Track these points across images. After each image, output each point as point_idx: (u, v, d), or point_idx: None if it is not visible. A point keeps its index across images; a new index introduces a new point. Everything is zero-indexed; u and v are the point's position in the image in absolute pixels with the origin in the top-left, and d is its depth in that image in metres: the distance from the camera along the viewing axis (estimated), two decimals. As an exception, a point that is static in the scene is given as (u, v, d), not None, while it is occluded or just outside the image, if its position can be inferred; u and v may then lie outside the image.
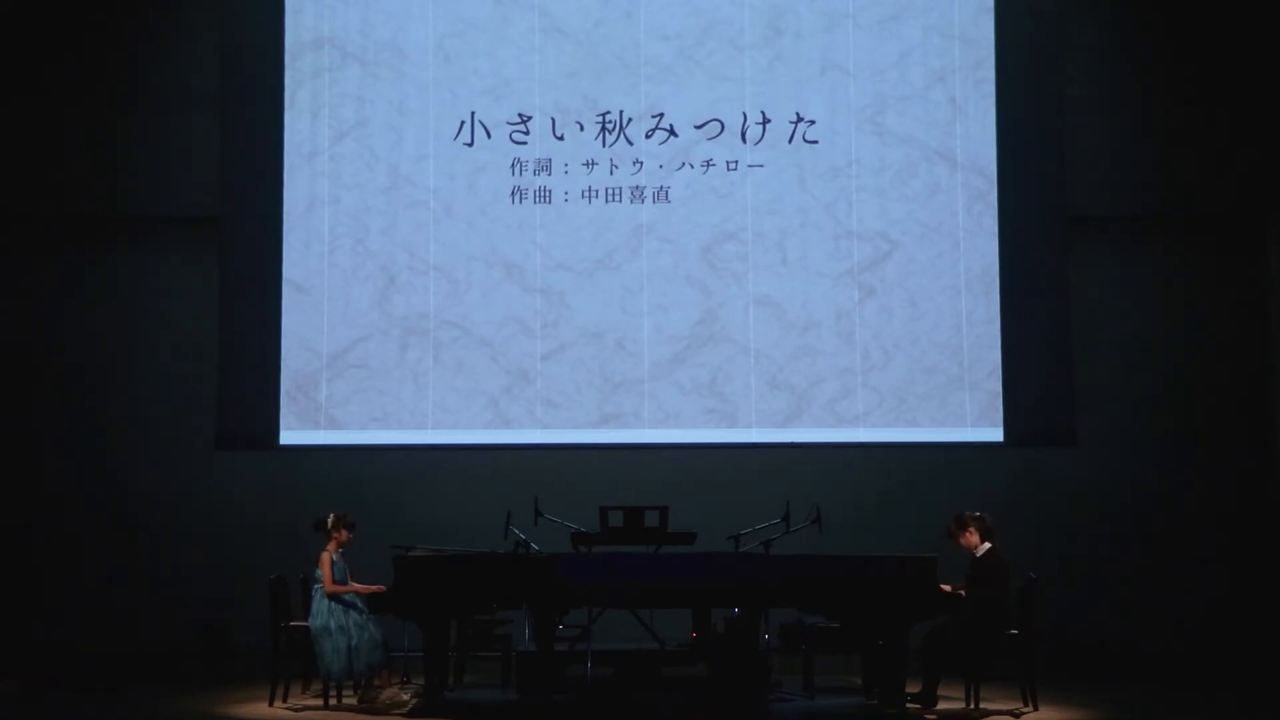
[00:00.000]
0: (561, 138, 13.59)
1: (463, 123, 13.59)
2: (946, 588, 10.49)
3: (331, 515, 10.85)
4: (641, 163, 13.57)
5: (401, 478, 13.36)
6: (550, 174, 13.55)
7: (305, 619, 10.80)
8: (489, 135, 13.56)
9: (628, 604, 11.03)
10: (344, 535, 10.84)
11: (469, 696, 11.25)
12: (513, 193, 13.53)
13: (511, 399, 13.37)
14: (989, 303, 13.42)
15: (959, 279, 13.48)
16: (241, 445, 13.41)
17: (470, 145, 13.55)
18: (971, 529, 10.58)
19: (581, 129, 13.59)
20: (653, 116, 13.60)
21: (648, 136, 13.57)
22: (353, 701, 10.78)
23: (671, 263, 13.50)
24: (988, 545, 10.54)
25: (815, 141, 13.58)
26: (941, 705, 10.47)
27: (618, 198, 13.55)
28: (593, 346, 13.41)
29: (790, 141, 13.58)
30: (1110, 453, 13.62)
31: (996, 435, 13.34)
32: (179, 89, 13.74)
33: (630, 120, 13.59)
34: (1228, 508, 13.65)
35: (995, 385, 13.35)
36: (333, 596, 10.66)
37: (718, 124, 13.59)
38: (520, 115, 13.61)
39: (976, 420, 13.33)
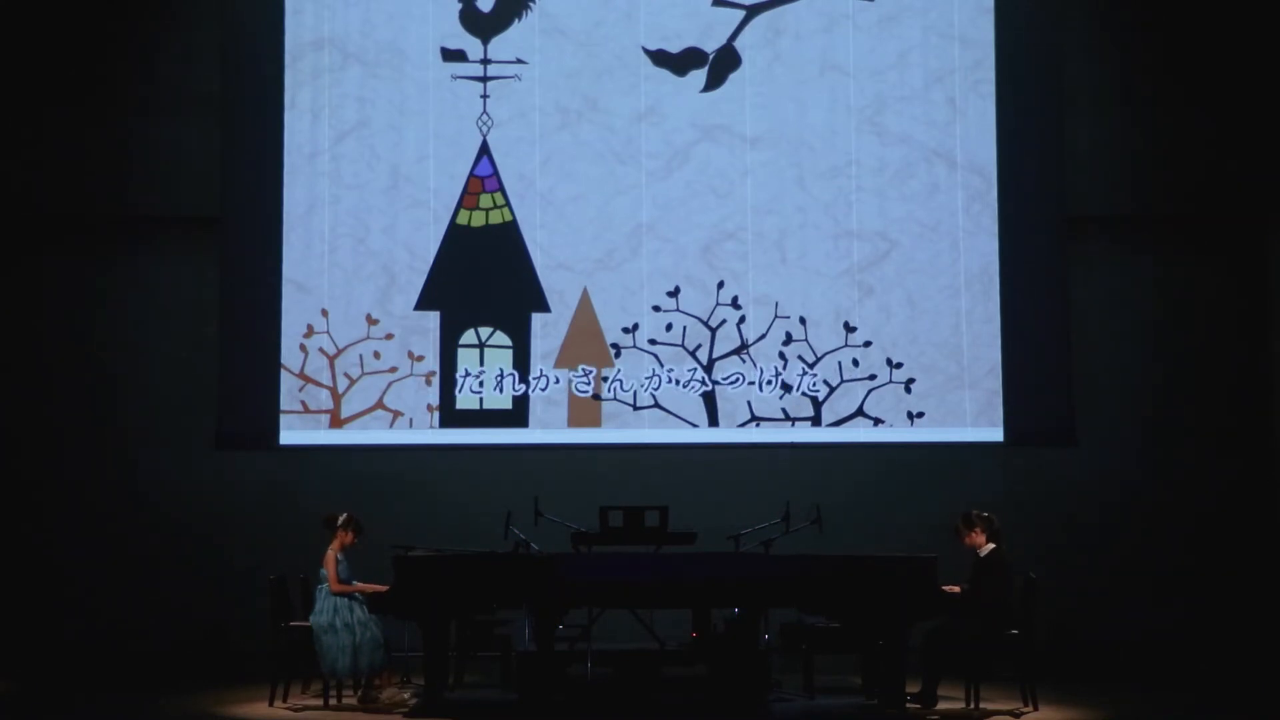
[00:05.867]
0: (562, 137, 13.59)
1: (463, 122, 13.59)
2: (953, 588, 10.50)
3: (345, 514, 10.88)
4: (641, 162, 13.58)
5: (401, 478, 13.35)
6: (551, 173, 13.56)
7: (306, 619, 10.81)
8: (489, 134, 13.56)
9: (628, 604, 11.05)
10: (350, 537, 10.86)
11: (469, 696, 11.27)
12: (513, 192, 13.54)
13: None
14: (988, 302, 13.44)
15: (958, 278, 13.50)
16: (241, 445, 13.41)
17: (471, 145, 13.56)
18: (978, 528, 10.59)
19: (581, 129, 13.60)
20: (652, 116, 13.61)
21: (647, 136, 13.58)
22: (353, 701, 10.80)
23: (671, 262, 13.51)
24: (992, 545, 10.55)
25: (814, 141, 13.58)
26: (941, 705, 10.48)
27: (618, 197, 13.56)
28: (592, 346, 13.42)
29: (789, 141, 13.58)
30: (1110, 452, 13.62)
31: (996, 434, 13.35)
32: (179, 89, 13.72)
33: (630, 119, 13.59)
34: (1228, 507, 13.65)
35: (995, 384, 13.36)
36: (338, 594, 10.69)
37: (718, 124, 13.60)
38: (520, 115, 13.61)
39: (976, 419, 13.35)
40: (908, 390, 13.36)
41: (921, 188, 13.57)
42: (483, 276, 13.51)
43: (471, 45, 13.68)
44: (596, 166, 13.58)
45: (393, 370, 13.40)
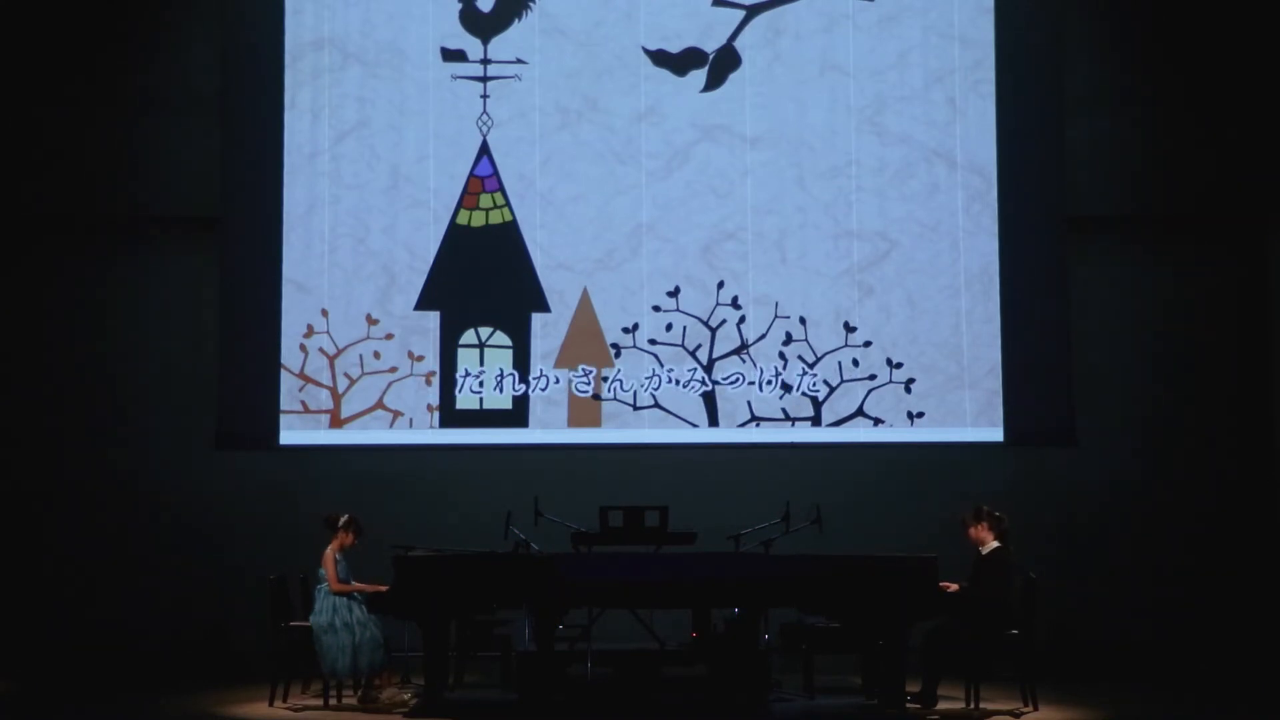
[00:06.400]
0: (562, 137, 13.60)
1: (463, 122, 13.59)
2: (950, 586, 10.51)
3: (346, 515, 10.89)
4: (641, 162, 13.58)
5: (401, 478, 13.36)
6: (551, 173, 13.56)
7: (306, 619, 10.82)
8: (489, 134, 13.57)
9: (628, 604, 11.05)
10: (349, 538, 10.88)
11: (469, 696, 11.28)
12: (513, 192, 13.54)
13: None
14: (988, 302, 13.44)
15: (958, 278, 13.50)
16: (241, 445, 13.41)
17: (471, 145, 13.56)
18: (985, 524, 10.59)
19: (581, 129, 13.60)
20: (652, 116, 13.61)
21: (647, 136, 13.58)
22: (353, 701, 10.81)
23: (671, 262, 13.52)
24: (996, 544, 10.55)
25: (814, 141, 13.58)
26: (941, 705, 10.48)
27: (618, 197, 13.56)
28: (592, 346, 13.42)
29: (789, 141, 13.58)
30: (1110, 453, 13.62)
31: (996, 435, 13.35)
32: (180, 89, 13.73)
33: (630, 119, 13.59)
34: (1228, 507, 13.65)
35: (995, 384, 13.36)
36: (337, 594, 10.69)
37: (717, 123, 13.60)
38: (520, 115, 13.61)
39: (976, 419, 13.35)
40: (908, 390, 13.36)
41: (921, 188, 13.57)
42: (483, 276, 13.51)
43: (471, 45, 13.69)
44: (596, 166, 13.58)
45: (393, 370, 13.40)
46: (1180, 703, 11.31)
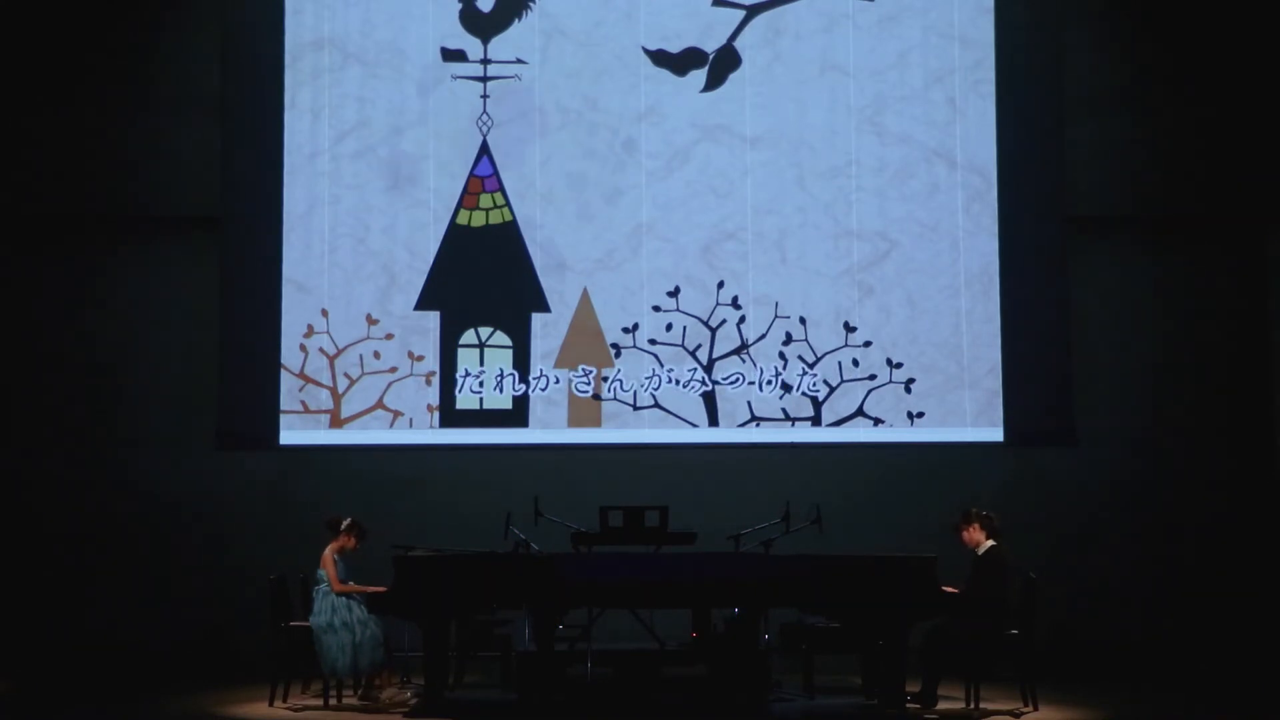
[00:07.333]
0: (562, 137, 13.60)
1: (463, 122, 13.59)
2: (950, 589, 10.51)
3: (349, 519, 10.89)
4: (642, 162, 13.58)
5: (401, 478, 13.35)
6: (550, 173, 13.56)
7: (305, 619, 10.82)
8: (489, 134, 13.57)
9: (628, 604, 11.05)
10: (351, 542, 10.89)
11: (469, 696, 11.28)
12: (513, 192, 13.54)
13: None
14: (988, 302, 13.44)
15: (958, 278, 13.50)
16: (241, 445, 13.41)
17: (471, 145, 13.55)
18: (976, 525, 10.60)
19: (581, 129, 13.60)
20: (652, 116, 13.60)
21: (647, 136, 13.58)
22: (353, 701, 10.81)
23: (671, 262, 13.52)
24: (990, 544, 10.56)
25: (814, 141, 13.58)
26: (941, 705, 10.49)
27: (618, 197, 13.56)
28: (592, 345, 13.42)
29: (789, 141, 13.58)
30: (1110, 453, 13.62)
31: (996, 435, 13.35)
32: (180, 89, 13.72)
33: (630, 119, 13.59)
34: (1227, 507, 13.64)
35: (995, 384, 13.36)
36: (338, 594, 10.70)
37: (717, 123, 13.60)
38: (520, 115, 13.61)
39: (976, 419, 13.35)
40: (908, 390, 13.36)
41: (921, 188, 13.57)
42: (483, 276, 13.51)
43: (471, 45, 13.69)
44: (596, 166, 13.58)
45: (393, 370, 13.40)
46: (1180, 703, 11.31)
